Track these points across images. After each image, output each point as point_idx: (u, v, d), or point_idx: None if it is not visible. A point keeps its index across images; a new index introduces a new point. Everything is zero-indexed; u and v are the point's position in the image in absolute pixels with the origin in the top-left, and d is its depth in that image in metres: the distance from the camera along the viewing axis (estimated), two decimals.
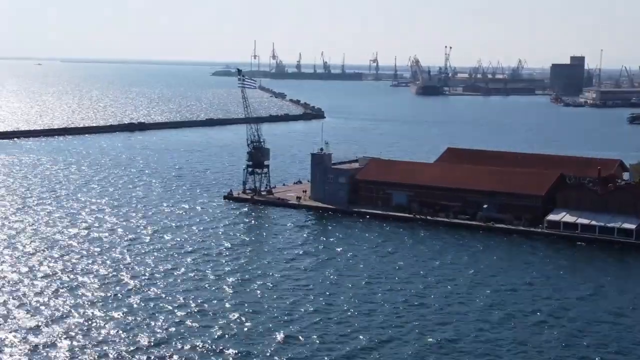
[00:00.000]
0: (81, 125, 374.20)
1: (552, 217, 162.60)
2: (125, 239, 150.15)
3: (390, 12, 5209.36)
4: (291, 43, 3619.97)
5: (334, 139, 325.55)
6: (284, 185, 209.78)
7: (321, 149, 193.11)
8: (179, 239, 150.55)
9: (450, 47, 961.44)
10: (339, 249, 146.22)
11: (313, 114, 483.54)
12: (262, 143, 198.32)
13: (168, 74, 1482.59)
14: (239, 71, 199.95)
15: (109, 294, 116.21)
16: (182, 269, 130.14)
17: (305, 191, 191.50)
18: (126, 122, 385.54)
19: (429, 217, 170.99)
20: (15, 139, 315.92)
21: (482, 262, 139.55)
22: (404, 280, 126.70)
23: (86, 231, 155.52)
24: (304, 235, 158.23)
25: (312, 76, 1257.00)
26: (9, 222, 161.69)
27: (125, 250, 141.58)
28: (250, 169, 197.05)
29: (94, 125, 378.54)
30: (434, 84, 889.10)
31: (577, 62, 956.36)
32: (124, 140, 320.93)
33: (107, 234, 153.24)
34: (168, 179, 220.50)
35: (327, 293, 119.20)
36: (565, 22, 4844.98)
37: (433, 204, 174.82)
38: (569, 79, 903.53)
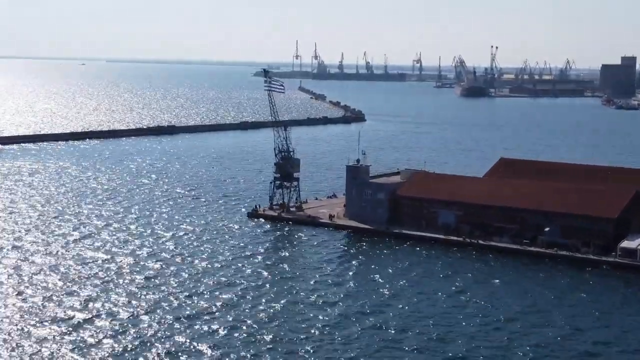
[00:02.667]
0: (109, 129, 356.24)
1: (626, 244, 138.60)
2: (136, 268, 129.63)
3: (434, 11, 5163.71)
4: (334, 43, 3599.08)
5: (374, 145, 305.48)
6: (316, 199, 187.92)
7: (357, 161, 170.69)
8: (191, 269, 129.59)
9: (497, 47, 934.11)
10: (384, 284, 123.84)
11: (353, 116, 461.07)
12: (292, 153, 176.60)
13: (210, 74, 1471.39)
14: (266, 72, 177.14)
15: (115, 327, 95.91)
16: (194, 299, 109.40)
17: (344, 206, 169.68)
18: (155, 126, 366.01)
19: (480, 241, 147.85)
20: (39, 143, 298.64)
21: (583, 304, 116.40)
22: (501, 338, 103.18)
23: (92, 256, 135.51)
24: (337, 263, 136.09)
25: (354, 77, 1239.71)
26: (19, 242, 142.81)
27: (131, 282, 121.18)
28: (277, 182, 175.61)
29: (122, 128, 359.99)
30: (479, 85, 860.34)
31: (628, 62, 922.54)
32: (151, 145, 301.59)
33: (113, 264, 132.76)
34: (189, 191, 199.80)
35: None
36: (615, 21, 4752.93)
37: (485, 226, 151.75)
38: (620, 80, 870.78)
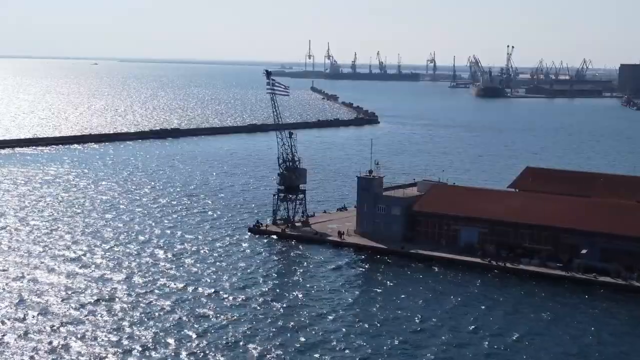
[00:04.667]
0: (110, 132, 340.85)
1: None
2: (126, 293, 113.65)
3: (448, 10, 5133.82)
4: (347, 43, 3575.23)
5: (388, 150, 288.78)
6: (324, 212, 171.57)
7: (370, 171, 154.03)
8: (180, 293, 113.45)
9: (513, 47, 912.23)
10: (406, 319, 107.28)
11: (366, 118, 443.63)
12: (298, 162, 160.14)
13: (222, 74, 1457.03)
14: (268, 73, 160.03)
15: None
16: (180, 330, 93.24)
17: (356, 221, 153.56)
18: (158, 129, 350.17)
19: (508, 264, 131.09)
20: (34, 147, 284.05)
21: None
22: None
23: (83, 274, 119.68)
24: (348, 290, 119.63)
25: (367, 76, 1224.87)
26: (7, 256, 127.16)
27: (118, 311, 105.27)
28: (282, 195, 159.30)
29: (124, 131, 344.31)
30: (495, 86, 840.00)
31: None
32: (152, 150, 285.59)
33: (101, 285, 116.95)
34: (188, 203, 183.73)
35: None
36: (631, 20, 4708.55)
37: (513, 246, 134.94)
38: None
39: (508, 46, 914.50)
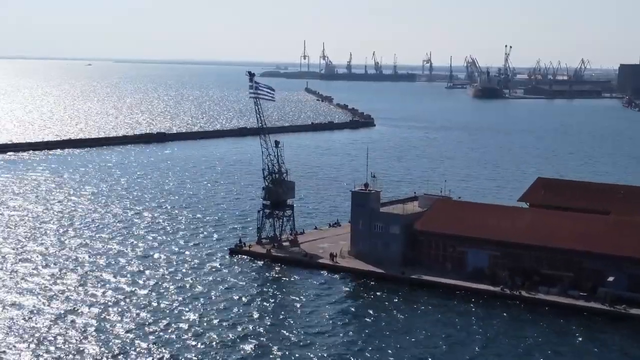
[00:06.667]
0: (89, 137, 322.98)
1: None
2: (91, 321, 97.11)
3: (444, 11, 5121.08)
4: (342, 43, 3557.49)
5: (384, 156, 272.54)
6: (315, 229, 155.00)
7: (366, 185, 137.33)
8: (147, 328, 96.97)
9: (511, 47, 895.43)
10: None
11: (361, 121, 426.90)
12: (285, 174, 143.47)
13: (216, 74, 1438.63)
14: (251, 75, 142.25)
15: None
16: None
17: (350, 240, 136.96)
18: (143, 133, 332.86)
19: (523, 293, 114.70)
20: (20, 153, 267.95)
21: None
22: None
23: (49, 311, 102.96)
24: (342, 326, 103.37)
25: (363, 77, 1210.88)
26: None
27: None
28: (267, 211, 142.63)
29: (102, 136, 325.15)
30: (493, 86, 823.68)
31: None
32: (137, 157, 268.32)
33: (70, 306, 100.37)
34: (165, 217, 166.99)
35: None
36: (628, 21, 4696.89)
37: (529, 272, 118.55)
38: None
39: (506, 46, 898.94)
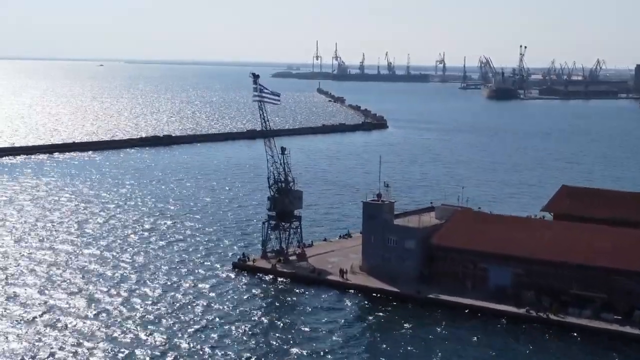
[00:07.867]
0: (92, 140, 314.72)
1: None
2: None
3: (457, 11, 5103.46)
4: (354, 43, 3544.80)
5: (398, 160, 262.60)
6: (325, 240, 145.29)
7: (378, 195, 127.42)
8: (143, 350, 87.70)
9: (525, 47, 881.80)
10: None
11: (374, 123, 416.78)
12: (292, 183, 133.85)
13: (228, 75, 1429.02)
14: (255, 77, 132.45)
15: None
16: None
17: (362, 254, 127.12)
18: (149, 136, 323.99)
19: (551, 316, 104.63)
20: (18, 157, 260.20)
21: None
22: None
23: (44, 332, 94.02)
24: (348, 345, 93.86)
25: (375, 78, 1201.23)
26: None
27: None
28: (272, 222, 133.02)
29: (117, 139, 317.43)
30: (508, 87, 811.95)
31: None
32: (141, 161, 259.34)
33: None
34: (163, 229, 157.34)
35: None
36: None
37: (557, 292, 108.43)
38: None
39: (521, 46, 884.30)
